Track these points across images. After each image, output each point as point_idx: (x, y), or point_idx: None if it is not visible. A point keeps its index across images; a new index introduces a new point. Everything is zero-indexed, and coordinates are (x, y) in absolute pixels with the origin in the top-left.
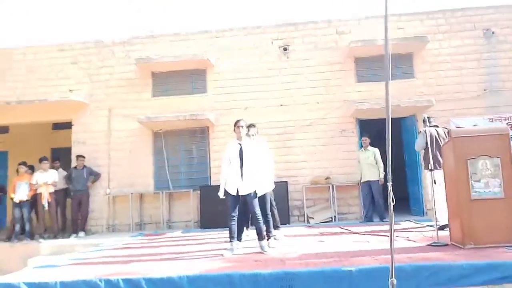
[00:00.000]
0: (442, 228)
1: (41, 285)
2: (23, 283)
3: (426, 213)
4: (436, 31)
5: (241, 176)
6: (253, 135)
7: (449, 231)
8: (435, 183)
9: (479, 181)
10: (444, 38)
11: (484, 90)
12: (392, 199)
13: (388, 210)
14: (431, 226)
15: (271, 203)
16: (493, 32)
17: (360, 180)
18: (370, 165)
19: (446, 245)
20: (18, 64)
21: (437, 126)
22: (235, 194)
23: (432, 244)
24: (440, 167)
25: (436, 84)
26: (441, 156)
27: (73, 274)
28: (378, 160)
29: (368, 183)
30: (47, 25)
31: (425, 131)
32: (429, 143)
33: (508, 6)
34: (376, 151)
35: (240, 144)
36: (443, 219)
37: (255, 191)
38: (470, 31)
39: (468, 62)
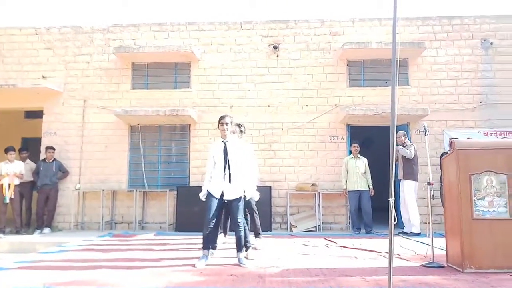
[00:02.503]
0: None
1: None
2: None
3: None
4: (433, 38)
5: (227, 178)
6: (234, 132)
7: (446, 251)
8: (433, 198)
9: (482, 199)
10: (440, 46)
11: (480, 102)
12: (394, 217)
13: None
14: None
15: (253, 209)
16: (491, 43)
17: (346, 188)
18: (361, 174)
19: (443, 266)
20: None
21: None
22: (218, 197)
23: (427, 265)
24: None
25: (431, 93)
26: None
27: (20, 281)
28: (367, 170)
29: (359, 193)
30: (22, 6)
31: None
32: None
33: (508, 17)
34: (366, 160)
35: (224, 143)
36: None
37: (242, 195)
38: (468, 40)
39: (465, 72)
